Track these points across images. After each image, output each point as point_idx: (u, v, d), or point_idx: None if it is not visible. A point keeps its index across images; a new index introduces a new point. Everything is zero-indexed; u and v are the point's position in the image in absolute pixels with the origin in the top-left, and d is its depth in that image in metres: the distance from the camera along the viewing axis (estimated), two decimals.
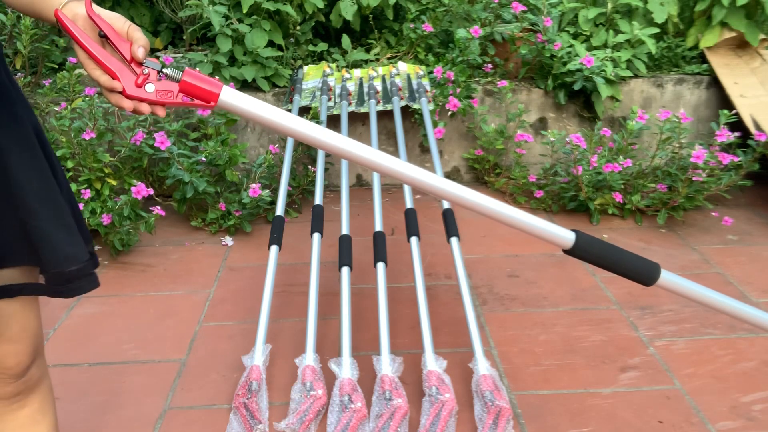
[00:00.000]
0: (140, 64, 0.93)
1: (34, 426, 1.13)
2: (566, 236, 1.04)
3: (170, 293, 2.42)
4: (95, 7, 0.91)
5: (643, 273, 1.07)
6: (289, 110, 3.17)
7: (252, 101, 0.95)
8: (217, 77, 3.13)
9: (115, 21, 0.93)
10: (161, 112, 0.97)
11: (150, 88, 0.93)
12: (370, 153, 0.98)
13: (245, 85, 3.27)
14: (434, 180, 1.01)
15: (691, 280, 2.62)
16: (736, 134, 2.77)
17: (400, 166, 0.99)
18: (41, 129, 1.05)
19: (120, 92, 0.93)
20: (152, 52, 3.66)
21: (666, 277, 1.07)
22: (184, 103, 0.95)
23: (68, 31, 0.89)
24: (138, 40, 0.93)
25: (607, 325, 2.17)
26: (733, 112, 2.87)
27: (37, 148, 0.99)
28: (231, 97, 0.94)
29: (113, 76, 0.92)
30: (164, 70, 0.93)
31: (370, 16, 3.56)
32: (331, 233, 2.50)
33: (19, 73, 3.06)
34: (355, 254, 2.20)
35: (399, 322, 2.16)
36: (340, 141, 0.97)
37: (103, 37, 0.91)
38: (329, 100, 3.17)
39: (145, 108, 0.95)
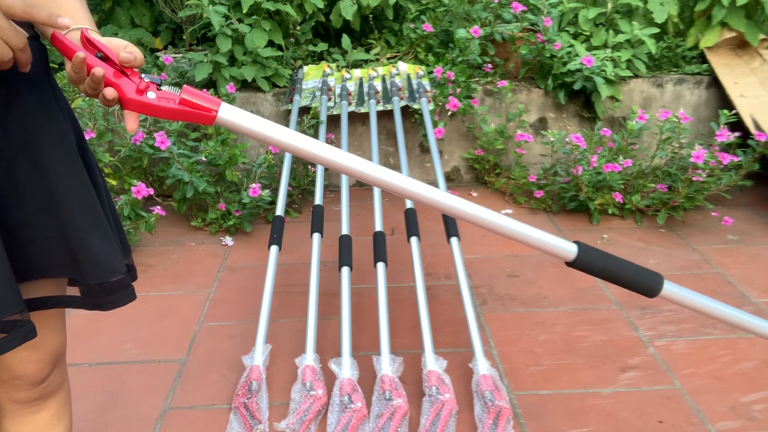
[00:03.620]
0: (138, 74, 0.92)
1: (49, 430, 1.13)
2: (568, 248, 1.04)
3: (170, 293, 2.42)
4: (91, 34, 0.90)
5: (646, 284, 1.06)
6: (289, 110, 3.17)
7: (250, 117, 0.94)
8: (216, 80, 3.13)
9: (111, 42, 0.91)
10: (133, 124, 0.92)
11: (151, 95, 0.92)
12: (370, 168, 0.98)
13: (245, 85, 3.27)
14: (435, 194, 1.00)
15: (691, 279, 2.62)
16: (736, 134, 2.77)
17: (400, 180, 0.99)
18: (84, 139, 1.04)
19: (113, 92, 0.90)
20: (152, 52, 3.66)
21: (669, 288, 1.06)
22: (184, 115, 0.93)
23: (64, 47, 0.87)
24: (132, 49, 0.91)
25: (607, 325, 2.17)
26: (733, 112, 2.87)
27: (78, 160, 0.98)
28: (229, 113, 0.94)
29: (109, 84, 0.90)
30: (162, 87, 0.93)
31: (370, 16, 3.56)
32: (331, 233, 2.50)
33: None
34: (355, 254, 2.20)
35: (399, 322, 2.16)
36: (339, 156, 0.97)
37: (101, 59, 0.90)
38: (329, 100, 3.17)
39: (109, 93, 0.90)
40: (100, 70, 0.88)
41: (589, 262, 1.05)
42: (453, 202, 1.01)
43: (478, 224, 1.02)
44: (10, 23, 0.80)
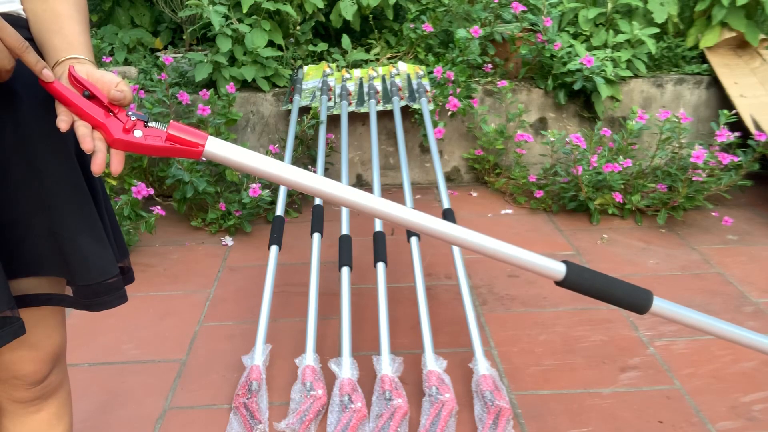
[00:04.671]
0: (124, 111, 0.92)
1: (49, 430, 1.13)
2: (557, 269, 1.05)
3: (170, 293, 2.42)
4: (79, 69, 0.90)
5: (636, 301, 1.08)
6: (289, 110, 3.17)
7: (238, 150, 0.95)
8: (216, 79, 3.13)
9: (104, 77, 0.91)
10: (118, 166, 0.92)
11: (138, 133, 0.92)
12: (368, 200, 0.98)
13: (245, 85, 3.27)
14: (434, 223, 1.02)
15: (691, 280, 2.62)
16: (736, 134, 2.77)
17: (400, 211, 1.00)
18: None
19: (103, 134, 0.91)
20: (152, 52, 3.66)
21: (658, 304, 1.08)
22: (172, 151, 0.93)
23: (51, 88, 0.88)
24: (123, 88, 0.91)
25: (607, 325, 2.17)
26: (733, 112, 2.87)
27: (74, 161, 0.98)
28: (216, 147, 0.94)
29: (96, 124, 0.90)
30: (149, 124, 0.93)
31: (370, 16, 3.56)
32: (331, 233, 2.50)
33: None
34: (355, 254, 2.20)
35: (399, 322, 2.16)
36: (335, 188, 0.98)
37: (88, 97, 0.90)
38: (329, 100, 3.17)
39: (98, 164, 0.91)
40: (88, 144, 0.89)
41: (577, 281, 1.06)
42: (449, 229, 1.03)
43: (474, 250, 1.05)
44: (4, 47, 0.84)
